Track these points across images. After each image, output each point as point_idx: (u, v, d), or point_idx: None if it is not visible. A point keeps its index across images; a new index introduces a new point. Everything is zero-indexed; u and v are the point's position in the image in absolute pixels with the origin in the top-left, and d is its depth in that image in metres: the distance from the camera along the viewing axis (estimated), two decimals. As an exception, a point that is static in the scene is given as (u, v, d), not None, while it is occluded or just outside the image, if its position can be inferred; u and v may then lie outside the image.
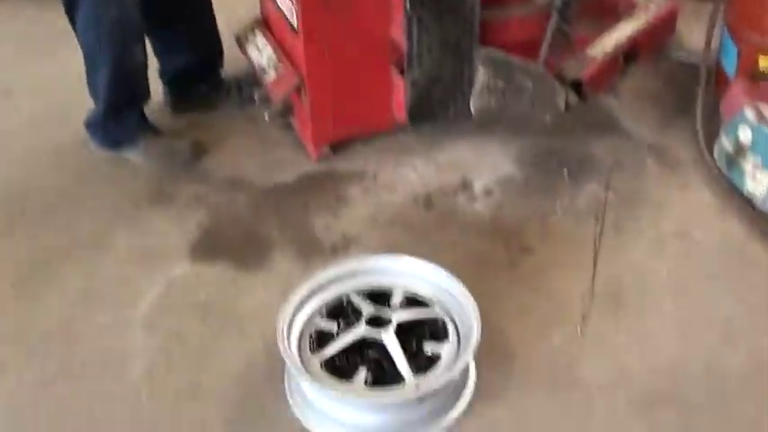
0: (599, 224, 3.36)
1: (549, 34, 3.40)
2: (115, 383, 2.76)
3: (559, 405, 2.66)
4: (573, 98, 3.26)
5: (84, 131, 3.81)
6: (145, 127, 3.78)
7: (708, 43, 3.84)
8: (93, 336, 2.94)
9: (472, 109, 3.39)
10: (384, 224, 3.40)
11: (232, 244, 3.33)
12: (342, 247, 3.28)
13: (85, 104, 3.76)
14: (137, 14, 3.51)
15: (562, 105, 3.24)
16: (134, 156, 3.74)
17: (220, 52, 4.12)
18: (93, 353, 2.87)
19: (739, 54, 3.76)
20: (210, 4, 3.93)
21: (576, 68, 3.30)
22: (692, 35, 4.28)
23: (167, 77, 4.07)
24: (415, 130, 3.83)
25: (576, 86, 3.28)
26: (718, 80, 3.91)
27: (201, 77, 4.08)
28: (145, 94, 3.79)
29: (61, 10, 3.51)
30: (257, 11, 4.08)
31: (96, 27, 3.45)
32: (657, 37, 3.68)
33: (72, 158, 3.82)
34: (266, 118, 3.83)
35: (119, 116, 3.70)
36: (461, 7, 3.37)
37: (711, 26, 3.83)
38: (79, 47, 3.57)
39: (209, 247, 3.32)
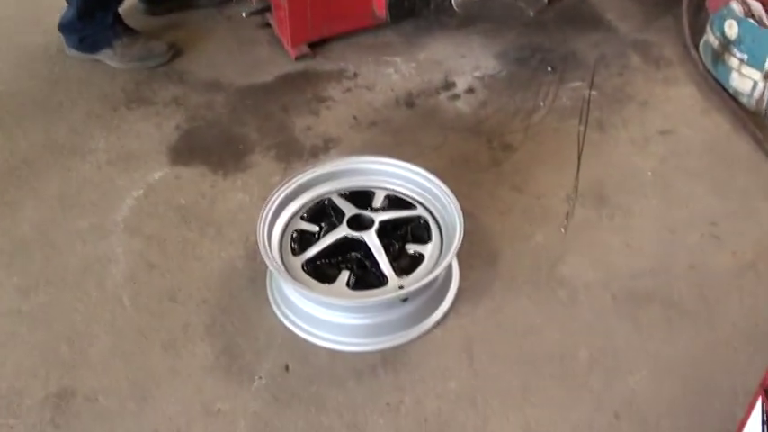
0: (583, 122, 3.32)
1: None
2: (96, 289, 2.73)
3: (543, 304, 2.65)
4: (556, -8, 3.20)
5: (59, 35, 3.72)
6: (120, 28, 3.69)
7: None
8: (74, 242, 2.90)
9: (454, 4, 3.31)
10: (365, 125, 3.35)
11: (211, 146, 3.28)
12: (322, 149, 3.24)
13: (58, 7, 3.67)
14: None
15: (545, -1, 3.18)
16: (110, 59, 3.66)
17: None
18: (73, 259, 2.84)
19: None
20: None
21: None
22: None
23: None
24: (395, 27, 3.76)
25: (558, -21, 3.22)
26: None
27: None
28: None
29: None
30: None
31: None
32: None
33: (46, 64, 3.74)
34: (244, 16, 3.75)
35: (93, 18, 3.60)
36: None
37: None
38: None
39: (189, 149, 3.26)
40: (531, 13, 3.25)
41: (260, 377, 2.45)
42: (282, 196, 2.71)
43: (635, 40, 3.77)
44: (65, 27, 3.68)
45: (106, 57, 3.67)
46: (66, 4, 3.63)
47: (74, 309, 2.67)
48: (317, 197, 2.79)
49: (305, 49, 3.66)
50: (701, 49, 3.60)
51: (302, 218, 2.74)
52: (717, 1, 3.46)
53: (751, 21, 3.25)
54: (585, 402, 2.39)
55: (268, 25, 3.82)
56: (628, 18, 3.89)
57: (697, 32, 3.64)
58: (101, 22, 3.63)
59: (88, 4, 3.56)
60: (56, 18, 3.70)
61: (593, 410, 2.36)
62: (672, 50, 3.70)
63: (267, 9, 3.72)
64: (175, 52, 3.72)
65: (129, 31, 3.71)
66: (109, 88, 3.58)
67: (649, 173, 3.12)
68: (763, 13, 3.26)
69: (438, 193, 2.70)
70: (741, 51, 3.32)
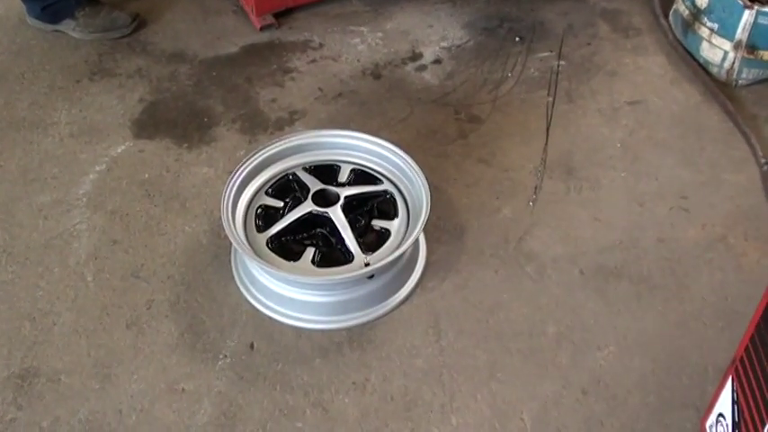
0: (551, 93, 3.29)
1: None
2: (59, 266, 2.69)
3: (511, 279, 2.63)
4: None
5: (20, 5, 3.65)
6: None
7: None
8: (36, 217, 2.85)
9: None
10: (331, 96, 3.31)
11: (175, 119, 3.23)
12: (288, 121, 3.20)
13: (18, -25, 3.60)
14: None
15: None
16: (72, 29, 3.60)
17: None
18: (35, 235, 2.79)
19: None
20: None
21: None
22: None
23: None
24: (362, -3, 3.73)
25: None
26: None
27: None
28: None
29: None
30: None
31: None
32: None
33: (7, 34, 3.66)
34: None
35: None
36: None
37: None
38: None
39: (152, 122, 3.21)
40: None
41: (225, 355, 2.43)
42: (246, 171, 2.67)
43: (604, 8, 3.73)
44: None
45: (68, 27, 3.60)
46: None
47: (36, 286, 2.64)
48: (282, 171, 2.75)
49: (270, 18, 3.61)
50: (670, 18, 3.58)
51: (267, 193, 2.70)
52: (687, -31, 3.44)
53: (721, -11, 3.24)
54: (553, 378, 2.38)
55: (233, -5, 3.77)
56: (597, -15, 3.87)
57: (667, 0, 3.61)
58: None
59: None
60: (15, -13, 3.64)
61: (561, 387, 2.35)
62: (641, 19, 3.68)
63: (232, -22, 3.68)
64: (139, 23, 3.65)
65: (92, 1, 3.64)
66: (71, 60, 3.51)
67: (618, 144, 3.10)
68: (732, -18, 3.24)
69: (404, 167, 2.67)
70: (711, 21, 3.29)
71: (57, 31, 3.63)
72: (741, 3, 3.17)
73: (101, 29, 3.59)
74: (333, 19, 3.68)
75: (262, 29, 3.61)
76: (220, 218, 2.51)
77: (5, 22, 3.71)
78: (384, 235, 2.58)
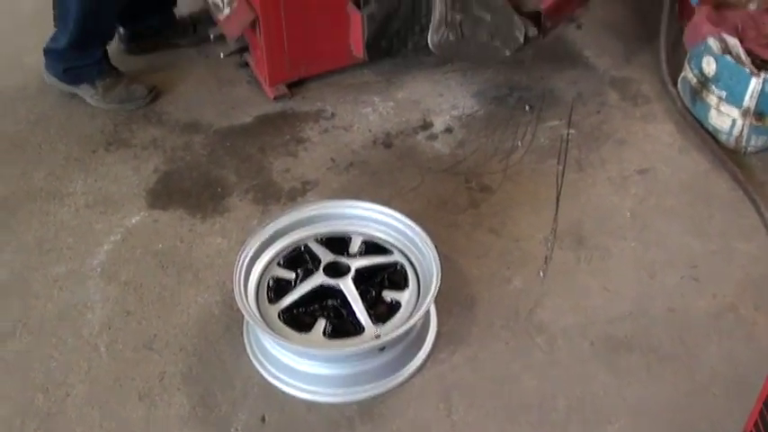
0: (561, 162, 3.32)
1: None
2: (73, 336, 2.72)
3: (521, 350, 2.64)
4: (532, 30, 3.18)
5: (38, 74, 3.71)
6: (106, 66, 3.68)
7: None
8: (51, 288, 2.88)
9: (430, 44, 3.31)
10: (343, 166, 3.34)
11: (189, 189, 3.26)
12: (300, 191, 3.23)
13: (37, 47, 3.67)
14: None
15: (521, 38, 3.16)
16: (89, 96, 3.65)
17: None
18: (50, 305, 2.82)
19: (702, -20, 3.71)
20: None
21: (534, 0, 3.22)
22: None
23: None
24: (373, 66, 3.76)
25: (536, 18, 3.20)
26: (683, 7, 3.85)
27: (154, 8, 3.96)
28: (113, 30, 3.71)
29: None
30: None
31: None
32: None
33: (25, 104, 3.71)
34: (221, 56, 3.76)
35: (84, 50, 3.59)
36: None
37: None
38: None
39: (167, 192, 3.25)
40: (508, 53, 3.25)
41: (236, 429, 2.44)
42: (258, 243, 2.70)
43: (613, 77, 3.77)
44: (52, 53, 3.65)
45: (86, 93, 3.66)
46: (55, 28, 3.61)
47: (50, 357, 2.66)
48: (294, 243, 2.78)
49: (283, 89, 3.65)
50: (679, 85, 3.61)
51: (279, 264, 2.73)
52: (694, 36, 3.47)
53: (728, 58, 3.26)
54: (564, 452, 2.38)
55: (247, 65, 3.81)
56: (606, 54, 3.90)
57: (676, 67, 3.64)
58: (90, 55, 3.62)
59: (84, 36, 3.53)
60: (35, 58, 3.71)
61: (572, 460, 2.36)
62: (650, 87, 3.71)
63: (245, 49, 3.72)
64: (155, 93, 3.70)
65: (113, 70, 3.69)
66: (88, 129, 3.56)
67: (628, 213, 3.12)
68: (740, 49, 3.27)
69: (415, 238, 2.70)
70: (719, 89, 3.32)
71: (72, 93, 3.68)
72: (748, 71, 3.20)
73: (118, 100, 3.64)
74: (345, 89, 3.73)
75: (275, 99, 3.65)
76: (233, 289, 2.54)
77: (24, 92, 3.76)
78: (395, 306, 2.60)
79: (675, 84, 3.64)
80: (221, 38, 3.73)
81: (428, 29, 3.35)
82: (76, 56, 3.59)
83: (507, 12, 3.17)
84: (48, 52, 3.66)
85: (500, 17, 3.20)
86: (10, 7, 4.28)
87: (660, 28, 3.76)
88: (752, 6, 3.55)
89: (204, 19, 3.96)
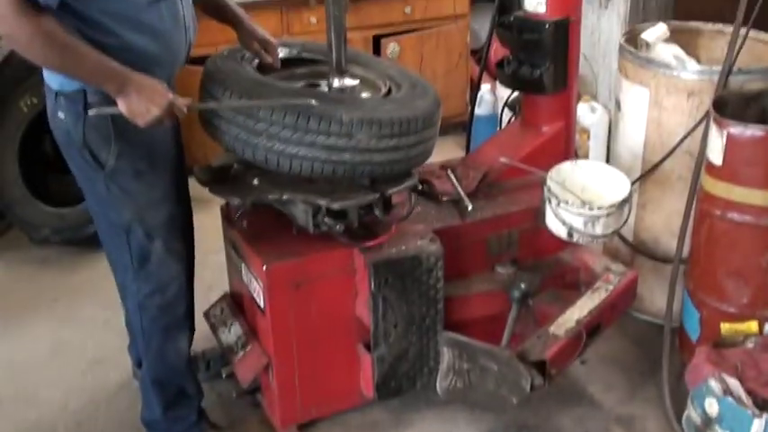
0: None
1: (511, 321, 3.48)
2: None
3: None
4: (538, 379, 3.29)
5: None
6: (206, 425, 3.75)
7: (669, 308, 3.94)
8: None
9: (438, 390, 3.42)
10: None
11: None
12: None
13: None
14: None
15: (527, 388, 3.26)
16: None
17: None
18: None
19: (701, 319, 3.85)
20: (192, 288, 3.74)
21: (539, 349, 3.34)
22: (655, 295, 4.34)
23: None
24: (382, 402, 3.83)
25: (541, 367, 3.32)
26: (683, 341, 3.97)
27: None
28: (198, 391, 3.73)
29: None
30: (227, 288, 4.12)
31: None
32: (619, 307, 3.75)
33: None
34: (234, 396, 3.84)
35: (179, 414, 3.64)
36: (425, 285, 3.46)
37: (671, 293, 3.91)
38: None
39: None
40: (515, 401, 3.33)
41: None
42: None
43: (618, 414, 3.83)
44: (150, 425, 3.68)
45: None
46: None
47: None
48: None
49: (294, 430, 3.70)
50: (684, 423, 3.65)
51: None
52: (695, 377, 3.55)
53: (730, 399, 3.33)
54: None
55: (258, 405, 3.88)
56: (611, 390, 3.98)
57: (680, 402, 3.69)
58: (186, 418, 3.66)
59: (169, 395, 3.58)
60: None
61: None
62: (655, 424, 3.76)
63: (257, 389, 3.80)
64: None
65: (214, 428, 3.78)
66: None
67: None
68: (741, 391, 3.35)
69: None
70: (723, 428, 3.37)
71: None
72: (750, 412, 3.26)
73: None
74: (356, 428, 3.79)
75: (286, 439, 3.71)
76: None
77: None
78: None
79: (680, 419, 3.68)
80: (233, 375, 3.82)
81: (437, 371, 3.47)
82: (173, 422, 3.63)
83: (513, 363, 3.29)
84: (145, 423, 3.69)
85: (506, 368, 3.31)
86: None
87: (662, 362, 3.85)
88: (749, 345, 3.65)
89: (217, 357, 4.07)
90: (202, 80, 3.35)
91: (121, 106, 2.92)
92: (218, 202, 3.55)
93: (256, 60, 3.52)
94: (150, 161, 3.19)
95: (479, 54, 6.80)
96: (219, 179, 3.45)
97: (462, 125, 6.53)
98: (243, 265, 3.63)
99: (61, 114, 3.08)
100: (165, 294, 3.39)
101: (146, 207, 3.24)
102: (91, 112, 2.95)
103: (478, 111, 5.23)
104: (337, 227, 3.30)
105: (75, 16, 2.86)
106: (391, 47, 6.29)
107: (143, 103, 2.91)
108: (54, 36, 2.76)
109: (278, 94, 3.17)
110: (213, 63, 3.39)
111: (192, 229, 3.66)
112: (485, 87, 6.12)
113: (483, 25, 6.82)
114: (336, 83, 3.46)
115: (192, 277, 3.63)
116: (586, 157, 5.46)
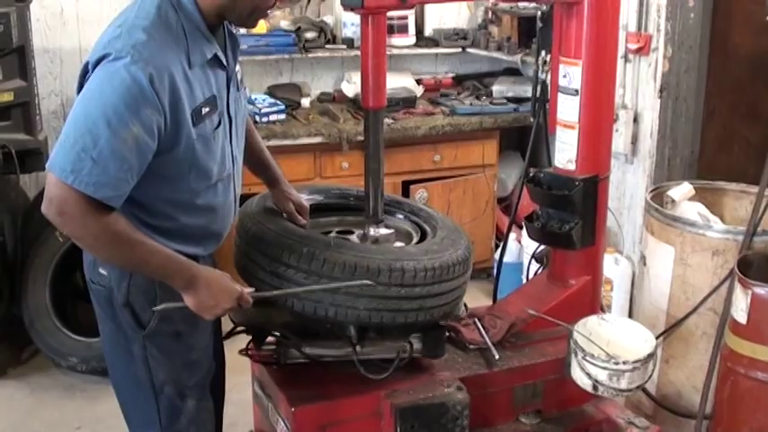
0: None
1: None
2: None
3: None
4: None
5: None
6: None
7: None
8: None
9: None
10: None
11: None
12: None
13: None
14: None
15: None
16: None
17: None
18: None
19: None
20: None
21: None
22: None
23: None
24: None
25: None
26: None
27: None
28: None
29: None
30: (251, 425, 4.12)
31: None
32: (644, 468, 3.76)
33: None
34: None
35: None
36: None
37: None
38: None
39: None
40: None
41: None
42: None
43: None
44: None
45: None
46: None
47: None
48: None
49: None
50: None
51: None
52: None
53: None
54: None
55: None
56: None
57: None
58: None
59: None
60: None
61: None
62: None
63: None
64: None
65: None
66: None
67: None
68: None
69: None
70: None
71: None
72: None
73: None
74: None
75: None
76: None
77: None
78: None
79: None
80: None
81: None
82: None
83: None
84: None
85: None
86: None
87: None
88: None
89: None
90: (256, 243, 3.35)
91: (188, 301, 2.91)
92: (242, 338, 3.55)
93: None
94: (192, 323, 3.10)
95: (505, 202, 6.97)
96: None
97: (486, 271, 6.64)
98: (270, 405, 3.66)
99: (103, 270, 3.03)
100: None
101: (181, 368, 3.17)
102: (157, 308, 2.93)
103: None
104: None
105: (133, 205, 2.87)
106: (420, 193, 6.42)
107: (212, 298, 2.92)
108: (120, 236, 2.74)
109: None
110: (259, 224, 3.42)
111: (224, 380, 3.66)
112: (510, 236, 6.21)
113: (510, 174, 6.99)
114: (372, 232, 3.57)
115: (221, 424, 3.62)
116: (609, 307, 5.51)
